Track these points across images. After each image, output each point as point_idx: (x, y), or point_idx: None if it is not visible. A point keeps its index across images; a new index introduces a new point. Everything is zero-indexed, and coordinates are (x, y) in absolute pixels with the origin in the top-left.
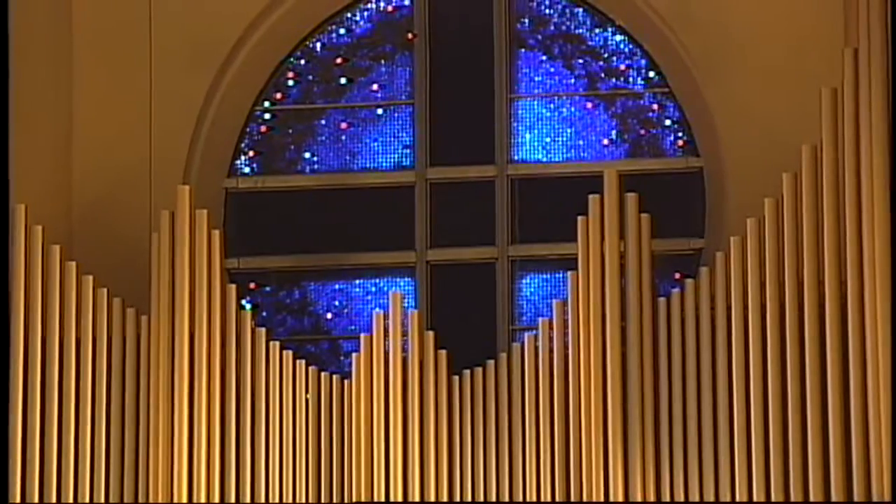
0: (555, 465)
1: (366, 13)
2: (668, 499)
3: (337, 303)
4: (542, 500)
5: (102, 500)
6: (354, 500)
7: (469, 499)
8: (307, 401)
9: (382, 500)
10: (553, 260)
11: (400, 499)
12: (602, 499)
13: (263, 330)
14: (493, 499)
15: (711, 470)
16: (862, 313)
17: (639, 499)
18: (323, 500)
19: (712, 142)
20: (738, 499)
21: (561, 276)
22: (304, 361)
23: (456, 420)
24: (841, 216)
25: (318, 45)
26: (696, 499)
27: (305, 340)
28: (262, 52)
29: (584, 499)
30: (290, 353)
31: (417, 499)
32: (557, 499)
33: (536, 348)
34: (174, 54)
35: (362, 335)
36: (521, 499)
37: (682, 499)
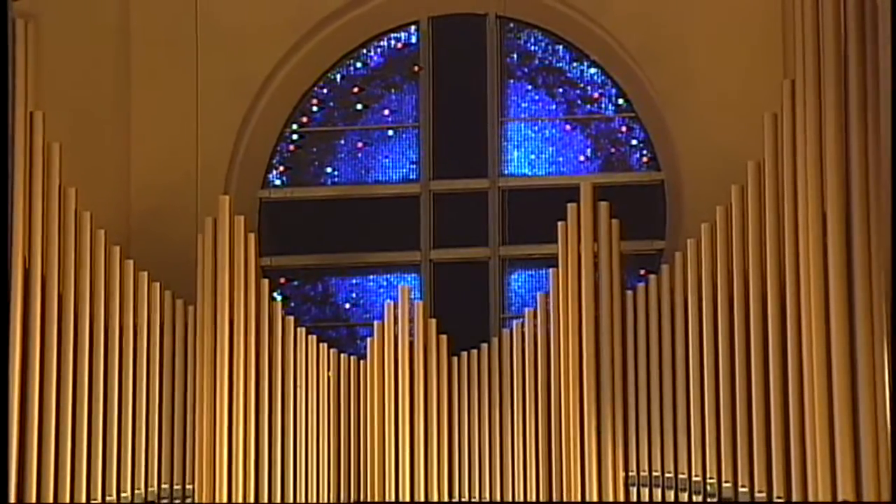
0: (538, 432)
1: (379, 49)
2: (634, 460)
3: (354, 295)
4: (528, 479)
5: (156, 454)
6: (370, 466)
7: (466, 462)
8: (329, 378)
9: (394, 484)
10: (537, 258)
11: (407, 477)
12: (578, 459)
13: (292, 318)
14: (487, 464)
15: (671, 431)
16: (798, 303)
17: (609, 458)
18: (342, 466)
19: (672, 158)
20: (694, 460)
21: (544, 272)
22: (326, 345)
23: (455, 395)
24: (781, 221)
25: (338, 76)
26: (659, 461)
27: (327, 327)
28: (290, 83)
29: (564, 464)
30: (315, 337)
31: (422, 472)
32: (541, 465)
33: (523, 334)
34: (217, 85)
35: (375, 322)
36: (510, 466)
37: (646, 460)
